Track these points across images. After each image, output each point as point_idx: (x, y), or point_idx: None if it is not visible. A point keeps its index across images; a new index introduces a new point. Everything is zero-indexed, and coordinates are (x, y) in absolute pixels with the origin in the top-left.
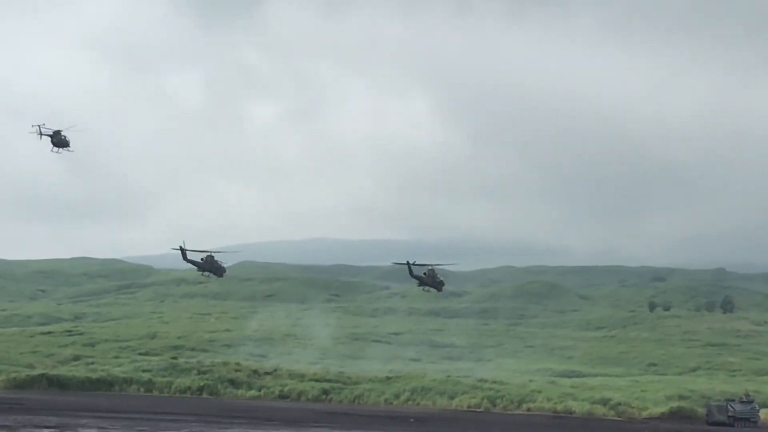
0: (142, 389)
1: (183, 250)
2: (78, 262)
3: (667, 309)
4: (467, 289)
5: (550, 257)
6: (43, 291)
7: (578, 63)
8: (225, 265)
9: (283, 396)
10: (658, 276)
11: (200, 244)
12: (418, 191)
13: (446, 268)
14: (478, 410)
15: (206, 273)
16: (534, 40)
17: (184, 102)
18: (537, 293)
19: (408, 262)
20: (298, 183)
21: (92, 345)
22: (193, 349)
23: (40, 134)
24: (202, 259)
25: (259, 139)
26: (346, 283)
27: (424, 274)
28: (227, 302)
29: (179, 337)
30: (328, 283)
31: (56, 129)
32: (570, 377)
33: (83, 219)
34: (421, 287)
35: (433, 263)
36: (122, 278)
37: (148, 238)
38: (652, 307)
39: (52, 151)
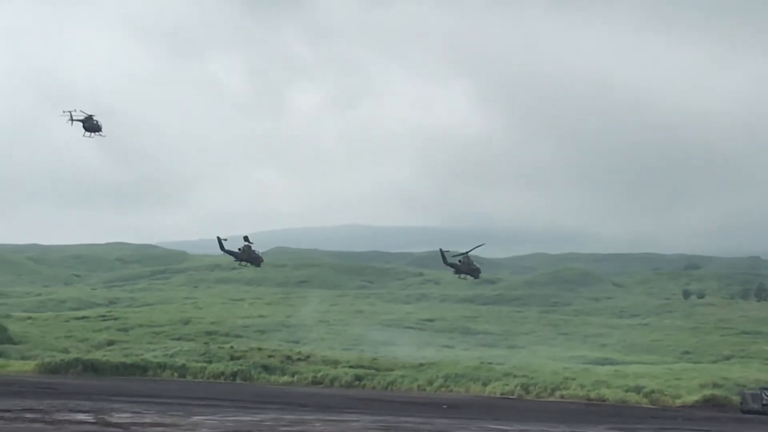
0: (175, 374)
1: (220, 242)
2: (113, 247)
3: (701, 297)
4: (501, 276)
5: (584, 244)
6: (77, 276)
7: (619, 50)
8: (260, 252)
9: (316, 382)
10: (692, 264)
11: (235, 229)
12: (455, 178)
13: (480, 254)
14: (511, 397)
15: (244, 263)
16: (575, 27)
17: (226, 87)
18: (571, 280)
19: (441, 250)
20: (335, 169)
21: (126, 330)
22: (226, 335)
23: (71, 120)
24: (239, 249)
25: (299, 125)
26: (379, 269)
27: (460, 261)
28: (261, 288)
29: (213, 323)
30: (361, 270)
31: (88, 114)
32: (603, 365)
33: (119, 204)
34: (458, 275)
35: (459, 249)
36: (157, 264)
37: (183, 224)
38: (686, 294)
39: (84, 135)
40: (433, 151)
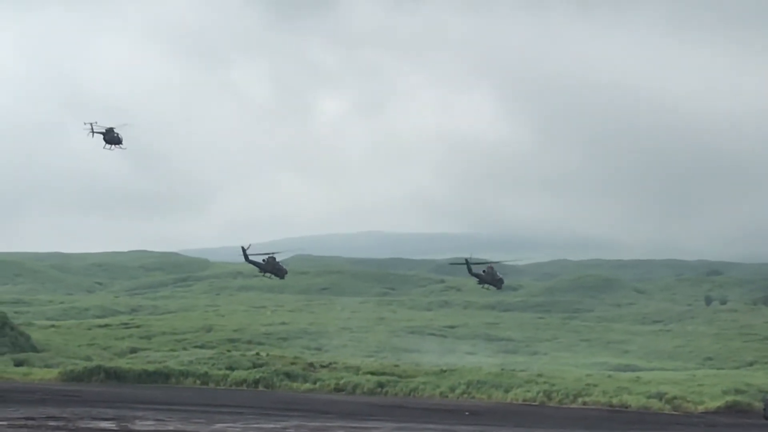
0: (198, 382)
1: (245, 252)
2: (135, 255)
3: (723, 303)
4: (523, 283)
5: (606, 251)
6: (100, 284)
7: (643, 56)
8: (281, 259)
9: (338, 389)
10: (714, 270)
11: (256, 237)
12: (477, 184)
13: (501, 261)
14: (533, 404)
15: (267, 274)
16: (599, 33)
17: (249, 94)
18: (593, 287)
19: (467, 260)
20: (357, 176)
21: (149, 338)
22: (249, 342)
23: (92, 132)
24: (263, 260)
25: (323, 132)
26: (401, 276)
27: (484, 271)
28: (283, 295)
29: (235, 330)
30: (383, 277)
31: (108, 126)
32: (626, 371)
33: (141, 212)
34: (481, 285)
35: (494, 261)
36: (179, 271)
37: (205, 231)
38: (709, 301)
39: (104, 148)
40: (456, 158)
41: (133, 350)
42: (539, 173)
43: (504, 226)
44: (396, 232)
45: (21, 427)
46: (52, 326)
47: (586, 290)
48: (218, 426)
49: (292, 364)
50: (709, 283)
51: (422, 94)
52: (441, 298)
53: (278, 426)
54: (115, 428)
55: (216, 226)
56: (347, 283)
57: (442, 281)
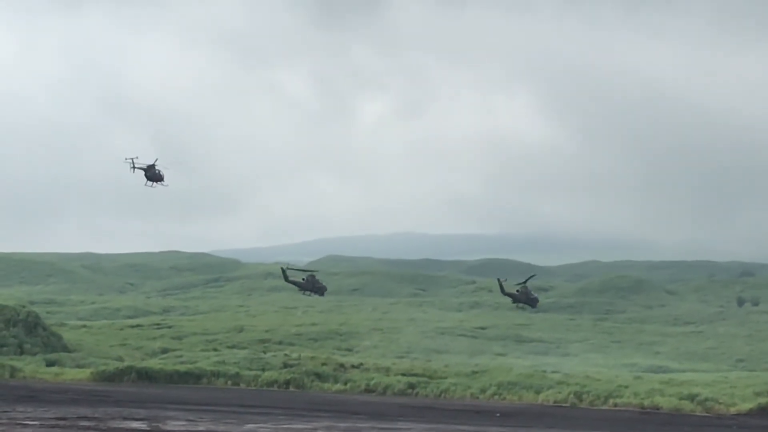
0: (229, 382)
1: (284, 272)
2: (167, 255)
3: (755, 304)
4: (554, 284)
5: (638, 252)
6: (131, 284)
7: (681, 58)
8: (313, 268)
9: (369, 390)
10: (747, 271)
11: (287, 237)
12: (512, 186)
13: (533, 263)
14: (564, 405)
15: (307, 292)
16: (642, 35)
17: (291, 96)
18: (624, 288)
19: (499, 280)
20: (393, 177)
21: (180, 338)
22: (280, 343)
23: (133, 167)
24: (303, 279)
25: (362, 133)
26: (431, 277)
27: (517, 291)
28: (314, 296)
29: (266, 331)
30: (413, 278)
31: (150, 163)
32: (657, 373)
33: (173, 213)
34: (515, 304)
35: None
36: (210, 272)
37: (237, 232)
38: (741, 302)
39: (145, 185)
40: (490, 159)
41: (165, 351)
42: (572, 175)
43: (536, 227)
44: (428, 233)
45: (53, 427)
46: (84, 326)
47: (617, 291)
48: (249, 426)
49: (323, 364)
50: (741, 285)
51: (463, 96)
52: (472, 299)
53: (309, 426)
54: (146, 428)
55: (248, 226)
56: (378, 284)
57: (473, 282)
